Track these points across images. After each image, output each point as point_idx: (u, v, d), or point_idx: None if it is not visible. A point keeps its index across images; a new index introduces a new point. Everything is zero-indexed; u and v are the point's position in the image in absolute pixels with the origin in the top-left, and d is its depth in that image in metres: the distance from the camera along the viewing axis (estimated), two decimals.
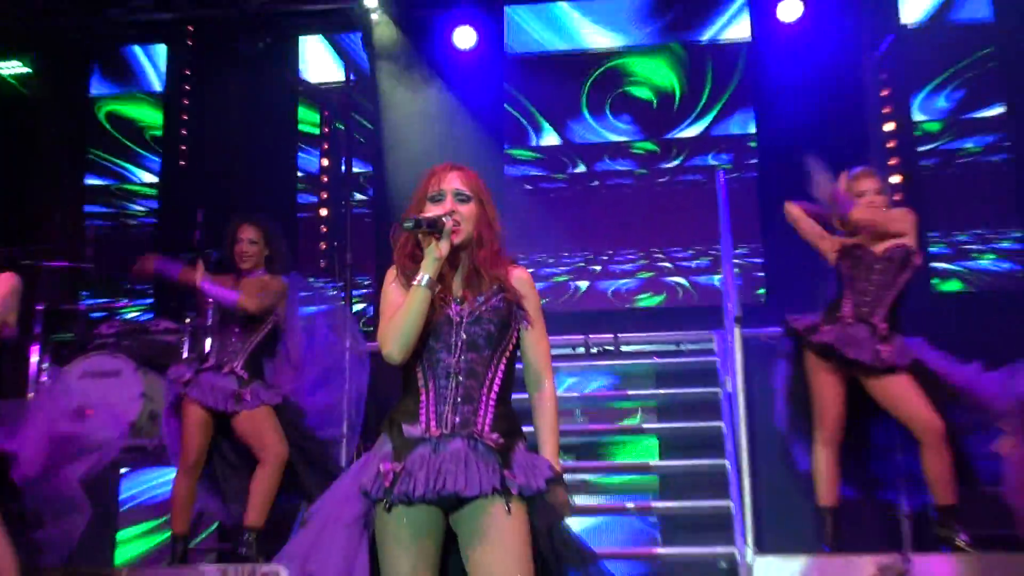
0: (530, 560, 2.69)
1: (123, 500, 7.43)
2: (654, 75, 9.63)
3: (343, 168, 8.35)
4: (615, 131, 9.66)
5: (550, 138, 9.73)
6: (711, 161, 9.35)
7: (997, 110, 9.04)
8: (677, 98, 9.55)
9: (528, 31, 9.84)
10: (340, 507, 2.84)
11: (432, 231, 2.82)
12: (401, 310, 2.82)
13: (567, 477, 3.10)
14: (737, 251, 7.43)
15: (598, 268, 9.49)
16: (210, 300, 5.69)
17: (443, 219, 2.85)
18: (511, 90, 9.78)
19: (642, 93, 9.64)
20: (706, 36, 9.59)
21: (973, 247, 9.01)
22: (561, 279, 9.45)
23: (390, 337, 2.81)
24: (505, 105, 9.78)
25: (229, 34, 9.66)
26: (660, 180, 9.56)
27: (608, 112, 9.64)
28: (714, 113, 9.47)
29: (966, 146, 9.10)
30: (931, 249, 8.33)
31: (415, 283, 2.82)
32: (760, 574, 4.73)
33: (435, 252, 2.82)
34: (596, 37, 9.72)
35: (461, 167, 3.05)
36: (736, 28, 9.51)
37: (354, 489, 2.84)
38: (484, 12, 9.63)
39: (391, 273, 2.98)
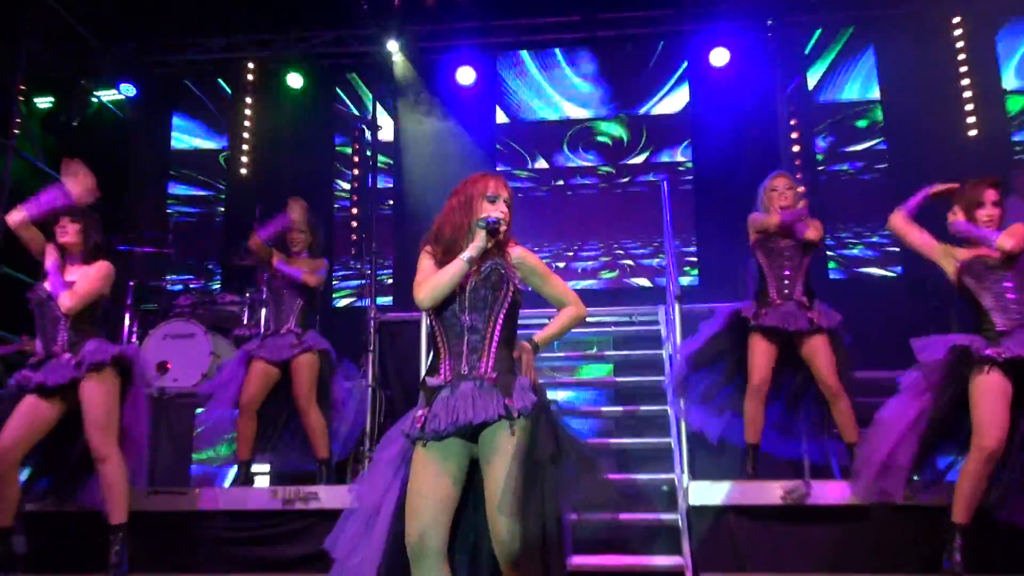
0: (522, 482, 2.66)
1: (197, 434, 7.45)
2: (611, 130, 9.77)
3: (369, 177, 8.34)
4: (585, 160, 9.78)
5: (540, 163, 9.84)
6: (652, 177, 9.48)
7: (872, 142, 9.26)
8: (625, 142, 9.72)
9: (522, 100, 9.93)
10: (385, 447, 2.96)
11: (494, 231, 2.91)
12: (443, 273, 2.88)
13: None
14: (676, 243, 7.45)
15: (571, 254, 9.54)
16: (271, 276, 5.70)
17: (501, 220, 2.93)
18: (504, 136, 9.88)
19: (603, 139, 9.78)
20: (642, 111, 9.75)
21: (850, 240, 9.22)
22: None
23: (427, 291, 2.88)
24: (502, 142, 9.85)
25: (281, 72, 9.63)
26: (616, 192, 9.65)
27: (580, 149, 9.76)
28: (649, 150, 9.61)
29: (845, 167, 9.37)
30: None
31: (461, 257, 2.87)
32: (693, 495, 4.74)
33: (483, 242, 2.90)
34: (572, 109, 9.87)
35: (501, 177, 3.11)
36: (667, 103, 9.71)
37: (397, 433, 2.94)
38: (480, 58, 9.64)
39: (425, 249, 3.02)
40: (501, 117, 9.86)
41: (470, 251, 2.87)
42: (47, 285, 4.42)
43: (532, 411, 2.76)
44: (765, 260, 5.12)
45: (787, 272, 5.04)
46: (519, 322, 3.00)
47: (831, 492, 4.63)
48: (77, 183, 4.51)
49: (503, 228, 2.93)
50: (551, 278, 3.08)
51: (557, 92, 9.85)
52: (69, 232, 4.47)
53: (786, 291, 5.00)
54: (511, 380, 2.83)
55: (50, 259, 4.47)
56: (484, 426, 2.75)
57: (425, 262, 2.99)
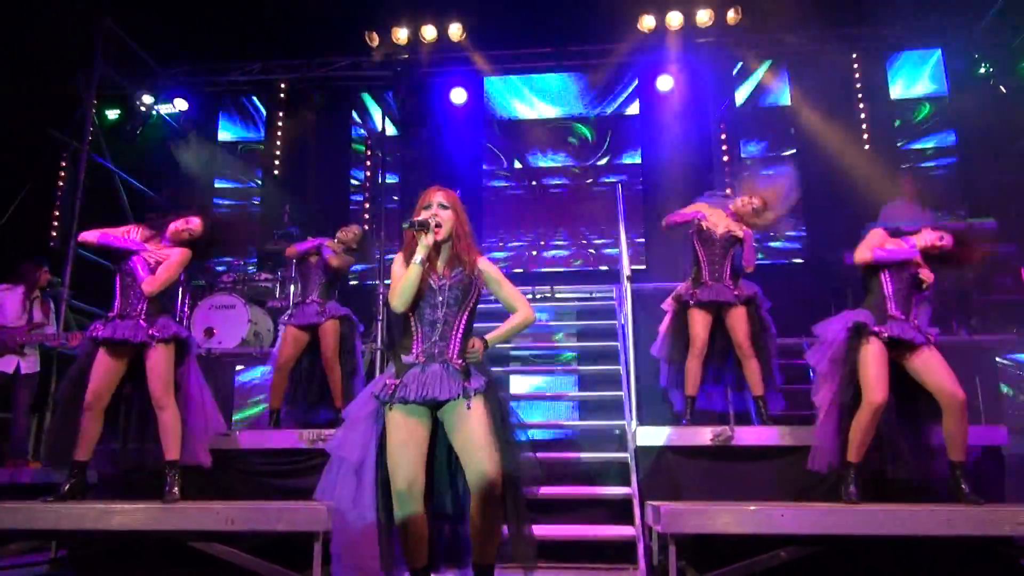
0: (489, 432, 2.80)
1: (237, 386, 7.41)
2: (580, 130, 9.68)
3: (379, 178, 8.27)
4: (555, 161, 9.67)
5: (517, 163, 9.70)
6: (612, 179, 9.39)
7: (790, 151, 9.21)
8: (591, 141, 9.62)
9: (504, 99, 9.80)
10: (360, 408, 2.94)
11: (422, 229, 2.92)
12: (403, 279, 2.90)
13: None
14: (628, 235, 7.42)
15: (543, 243, 9.43)
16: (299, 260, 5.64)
17: (429, 221, 2.93)
18: (489, 143, 9.74)
19: (572, 140, 9.65)
20: (609, 111, 9.64)
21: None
22: (520, 246, 9.39)
23: (396, 296, 2.90)
24: (487, 144, 9.73)
25: (308, 90, 9.50)
26: (581, 191, 9.54)
27: (550, 151, 9.66)
28: (609, 155, 9.51)
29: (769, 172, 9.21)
30: None
31: (412, 262, 2.90)
32: (640, 438, 4.73)
33: (425, 242, 2.92)
34: (546, 109, 9.74)
35: (444, 188, 3.10)
36: (630, 106, 9.60)
37: (367, 395, 2.95)
38: (472, 79, 9.53)
39: (398, 257, 3.03)
40: (487, 122, 9.75)
41: (417, 254, 2.91)
42: (134, 265, 4.27)
43: (484, 389, 2.88)
44: (701, 248, 5.11)
45: (718, 258, 5.03)
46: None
47: (751, 435, 4.65)
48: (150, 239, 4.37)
49: (434, 226, 2.93)
50: (506, 285, 3.09)
51: (533, 94, 9.76)
52: (198, 225, 4.37)
53: (716, 274, 4.99)
54: (469, 366, 2.92)
55: (135, 236, 4.33)
56: (447, 401, 2.84)
57: (396, 270, 2.99)
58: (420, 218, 2.95)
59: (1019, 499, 4.28)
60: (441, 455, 2.96)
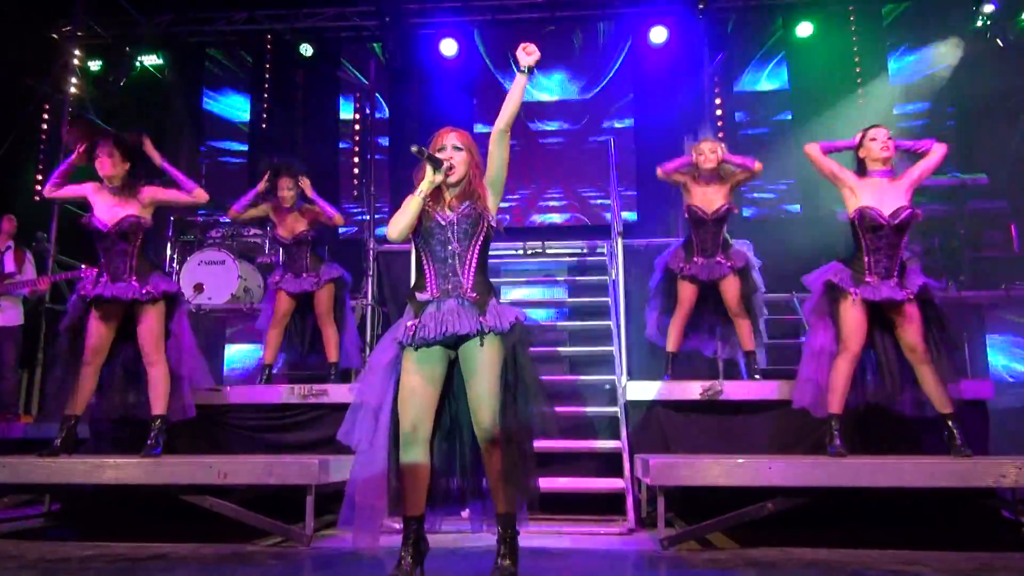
0: (496, 381, 2.77)
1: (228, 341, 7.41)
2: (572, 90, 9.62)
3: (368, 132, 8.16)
4: (551, 123, 9.63)
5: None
6: (616, 125, 9.39)
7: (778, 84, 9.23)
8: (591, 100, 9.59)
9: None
10: (382, 355, 2.90)
11: (433, 164, 2.85)
12: (401, 210, 2.87)
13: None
14: (620, 189, 7.38)
15: (537, 197, 9.42)
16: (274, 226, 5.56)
17: (443, 161, 2.87)
18: (481, 96, 9.58)
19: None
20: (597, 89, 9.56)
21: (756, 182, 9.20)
22: (515, 200, 9.38)
23: (392, 225, 2.87)
24: (478, 98, 9.60)
25: (293, 42, 9.33)
26: (576, 147, 9.47)
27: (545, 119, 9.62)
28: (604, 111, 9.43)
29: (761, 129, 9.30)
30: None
31: (414, 194, 2.86)
32: (630, 392, 4.77)
33: (431, 178, 2.86)
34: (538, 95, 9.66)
35: (457, 129, 3.02)
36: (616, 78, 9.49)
37: (389, 341, 2.91)
38: (463, 29, 9.35)
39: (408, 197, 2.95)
40: (479, 75, 9.59)
41: (421, 187, 2.86)
42: (100, 219, 4.16)
43: (507, 331, 2.80)
44: (693, 227, 5.13)
45: (710, 236, 5.05)
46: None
47: (739, 390, 4.69)
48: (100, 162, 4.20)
49: (446, 168, 2.86)
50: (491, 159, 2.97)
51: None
52: (105, 164, 4.16)
53: (708, 251, 5.05)
54: (486, 300, 2.86)
55: (91, 193, 4.24)
56: (466, 338, 2.79)
57: (404, 202, 2.92)
58: (437, 155, 2.88)
59: (1002, 452, 4.35)
60: (461, 400, 2.91)
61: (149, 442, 4.11)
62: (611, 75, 9.49)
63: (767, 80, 9.32)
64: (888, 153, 4.10)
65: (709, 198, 5.03)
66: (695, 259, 5.04)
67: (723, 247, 5.05)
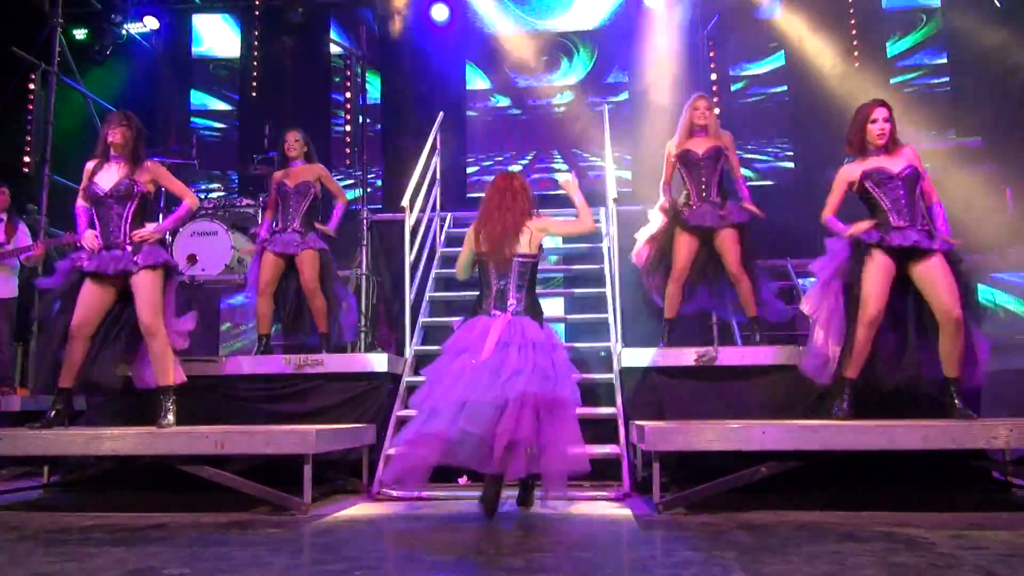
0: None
1: (222, 312, 7.39)
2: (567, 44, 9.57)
3: (360, 99, 8.07)
4: (550, 82, 9.61)
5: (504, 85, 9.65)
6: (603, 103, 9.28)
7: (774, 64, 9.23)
8: (587, 64, 9.58)
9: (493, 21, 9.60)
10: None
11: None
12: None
13: None
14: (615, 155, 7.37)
15: (533, 163, 9.45)
16: (280, 184, 5.49)
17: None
18: (474, 60, 9.55)
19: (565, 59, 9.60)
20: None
21: (752, 148, 9.27)
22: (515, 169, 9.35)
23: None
24: (472, 62, 9.54)
25: (283, 8, 9.19)
26: (572, 114, 9.44)
27: (546, 72, 9.64)
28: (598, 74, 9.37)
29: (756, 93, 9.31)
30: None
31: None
32: (625, 359, 4.79)
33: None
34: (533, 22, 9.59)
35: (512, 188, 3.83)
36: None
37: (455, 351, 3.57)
38: None
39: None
40: (471, 39, 9.51)
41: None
42: (99, 184, 4.21)
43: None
44: (685, 171, 5.06)
45: (704, 177, 4.98)
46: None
47: (734, 356, 4.70)
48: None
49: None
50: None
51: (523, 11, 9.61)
52: (117, 133, 4.24)
53: (704, 193, 4.95)
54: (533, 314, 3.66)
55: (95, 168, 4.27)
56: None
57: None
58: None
59: (993, 414, 4.39)
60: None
61: (161, 414, 4.14)
62: (605, 33, 9.48)
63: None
64: (883, 140, 4.10)
65: (700, 143, 5.01)
66: (691, 204, 4.96)
67: (721, 194, 4.97)
